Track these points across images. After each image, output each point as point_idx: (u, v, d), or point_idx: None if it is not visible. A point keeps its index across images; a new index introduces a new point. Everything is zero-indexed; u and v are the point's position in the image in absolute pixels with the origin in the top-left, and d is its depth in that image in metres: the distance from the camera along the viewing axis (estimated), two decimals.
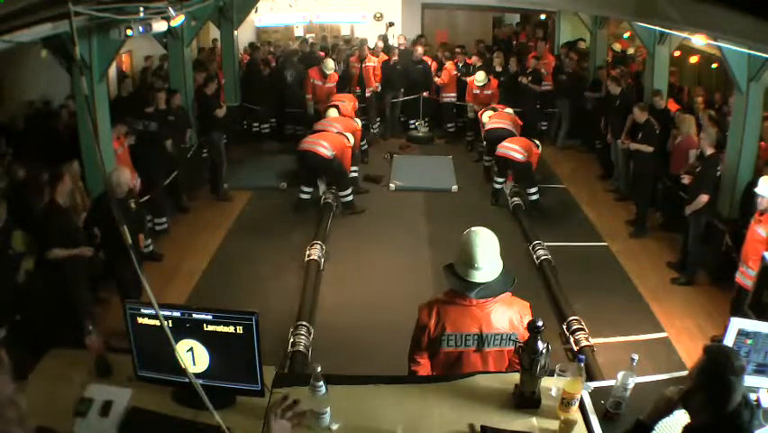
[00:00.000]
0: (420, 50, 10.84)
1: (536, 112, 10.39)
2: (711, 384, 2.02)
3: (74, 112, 6.80)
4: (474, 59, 10.71)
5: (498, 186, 8.22)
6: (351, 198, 7.85)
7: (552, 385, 2.59)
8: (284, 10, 12.62)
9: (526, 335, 2.46)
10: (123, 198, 5.00)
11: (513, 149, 7.78)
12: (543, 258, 6.46)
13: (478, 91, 9.83)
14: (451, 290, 2.72)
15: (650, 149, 7.09)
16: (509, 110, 9.06)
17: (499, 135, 8.20)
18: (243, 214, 7.91)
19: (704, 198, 5.94)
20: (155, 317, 2.39)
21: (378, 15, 12.74)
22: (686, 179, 6.25)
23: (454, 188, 8.71)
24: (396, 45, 11.44)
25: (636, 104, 7.54)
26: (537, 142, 8.08)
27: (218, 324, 2.43)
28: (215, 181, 8.32)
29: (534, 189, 7.91)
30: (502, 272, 2.68)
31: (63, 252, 4.63)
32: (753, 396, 2.47)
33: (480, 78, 9.74)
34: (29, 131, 7.03)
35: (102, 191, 5.23)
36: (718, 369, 2.00)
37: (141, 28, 5.05)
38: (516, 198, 8.01)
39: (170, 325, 2.37)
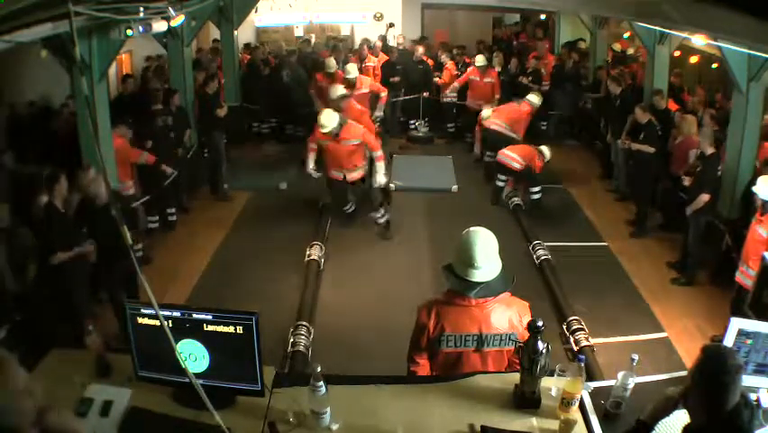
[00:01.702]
0: (420, 50, 10.83)
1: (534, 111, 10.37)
2: (707, 384, 2.03)
3: (74, 111, 6.84)
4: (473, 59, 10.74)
5: (500, 183, 8.13)
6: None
7: (552, 385, 2.59)
8: (284, 10, 12.60)
9: (526, 335, 2.47)
10: (106, 202, 4.98)
11: (511, 157, 7.72)
12: (543, 258, 6.46)
13: (477, 78, 9.73)
14: (450, 290, 2.72)
15: (651, 150, 7.07)
16: (515, 104, 8.80)
17: (496, 139, 8.25)
18: (243, 214, 7.91)
19: (705, 197, 5.93)
20: (155, 317, 2.40)
21: (378, 15, 12.74)
22: (687, 181, 6.24)
23: (454, 188, 8.71)
24: (395, 45, 11.44)
25: (638, 104, 7.50)
26: (544, 151, 7.84)
27: (218, 324, 2.43)
28: (215, 181, 8.32)
29: (537, 189, 7.85)
30: (501, 272, 2.68)
31: (65, 255, 4.61)
32: (753, 396, 2.48)
33: (479, 59, 9.61)
34: (30, 130, 7.02)
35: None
36: (714, 368, 2.01)
37: (141, 28, 5.04)
38: (515, 198, 7.99)
39: (170, 325, 2.37)
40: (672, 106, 8.04)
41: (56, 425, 1.80)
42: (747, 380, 2.40)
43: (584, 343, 4.97)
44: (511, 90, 10.11)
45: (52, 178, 4.66)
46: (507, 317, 2.68)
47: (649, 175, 7.22)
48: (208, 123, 8.18)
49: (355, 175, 7.14)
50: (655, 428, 2.36)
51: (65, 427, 1.88)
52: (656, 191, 7.49)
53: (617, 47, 11.68)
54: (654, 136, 7.13)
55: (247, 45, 11.72)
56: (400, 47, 11.30)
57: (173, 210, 7.38)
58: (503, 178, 8.10)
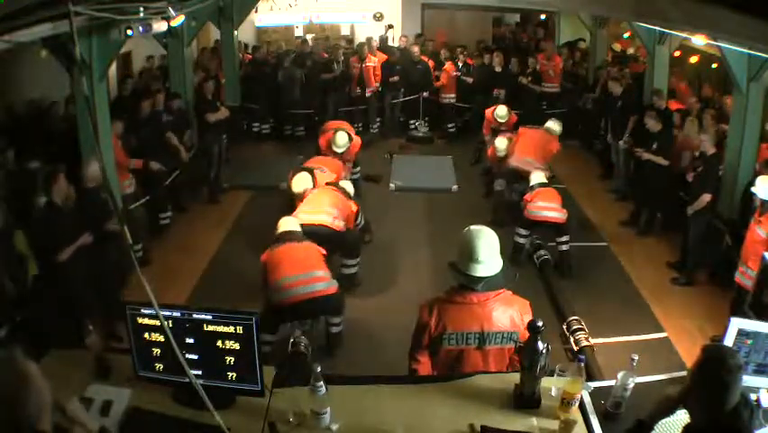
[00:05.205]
0: (416, 49, 10.81)
1: (538, 113, 10.35)
2: (707, 383, 2.03)
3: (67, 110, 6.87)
4: (474, 60, 10.75)
5: (521, 240, 6.55)
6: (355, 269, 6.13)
7: (552, 385, 2.59)
8: (284, 10, 12.62)
9: (527, 333, 2.48)
10: (94, 187, 4.99)
11: (552, 208, 6.35)
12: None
13: (495, 126, 8.59)
14: (452, 288, 2.74)
15: (665, 162, 6.88)
16: (538, 135, 7.57)
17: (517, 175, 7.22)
18: (243, 214, 7.91)
19: (707, 197, 5.93)
20: (155, 317, 2.40)
21: (378, 15, 12.74)
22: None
23: (454, 187, 8.71)
24: (396, 46, 11.44)
25: (648, 112, 7.28)
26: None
27: (218, 324, 2.43)
28: (208, 183, 8.32)
29: (566, 237, 6.42)
30: (503, 269, 2.70)
31: (70, 249, 4.60)
32: (753, 396, 2.47)
33: (501, 112, 8.43)
34: (29, 129, 7.02)
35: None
36: (714, 368, 2.01)
37: (141, 28, 5.04)
38: (542, 251, 6.58)
39: (170, 325, 2.37)
40: (672, 106, 8.03)
41: (71, 412, 2.14)
42: (747, 380, 2.40)
43: (584, 343, 4.97)
44: (512, 91, 10.11)
45: (50, 176, 4.65)
46: (508, 315, 2.69)
47: (661, 180, 7.02)
48: (202, 125, 8.19)
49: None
50: (655, 428, 2.36)
51: (79, 415, 2.15)
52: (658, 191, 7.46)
53: (617, 47, 11.70)
54: (668, 148, 6.94)
55: (246, 45, 11.72)
56: (402, 46, 11.28)
57: (169, 213, 7.35)
58: (524, 233, 6.55)
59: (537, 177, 6.64)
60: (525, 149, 7.37)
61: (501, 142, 7.64)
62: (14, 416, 1.74)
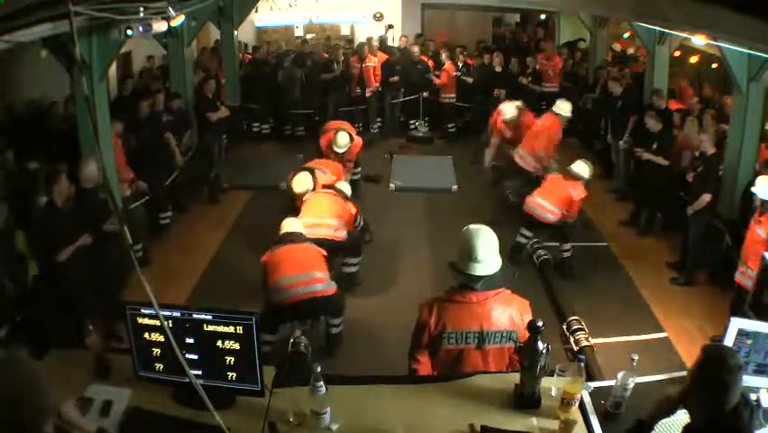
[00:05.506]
0: (416, 49, 10.81)
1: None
2: (707, 383, 2.03)
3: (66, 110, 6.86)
4: (474, 60, 10.74)
5: (522, 240, 6.53)
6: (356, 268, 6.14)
7: (552, 385, 2.59)
8: (284, 10, 12.63)
9: (527, 332, 2.48)
10: (92, 188, 5.01)
11: (543, 207, 6.26)
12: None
13: (503, 127, 8.21)
14: (452, 287, 2.74)
15: (665, 162, 6.88)
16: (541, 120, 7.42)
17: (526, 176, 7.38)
18: (243, 214, 7.91)
19: (707, 197, 5.93)
20: (155, 317, 2.40)
21: (378, 15, 12.75)
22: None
23: (454, 187, 8.71)
24: (396, 46, 11.44)
25: (648, 112, 7.27)
26: (583, 171, 6.43)
27: (218, 324, 2.44)
28: (209, 183, 8.32)
29: (568, 246, 6.40)
30: (502, 267, 2.71)
31: (69, 249, 4.61)
32: (753, 396, 2.48)
33: (509, 108, 7.92)
34: (29, 129, 7.02)
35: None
36: (714, 368, 2.01)
37: (141, 28, 5.05)
38: (541, 251, 6.59)
39: (170, 325, 2.37)
40: (673, 106, 8.03)
41: (69, 417, 2.11)
42: (747, 380, 2.40)
43: (584, 343, 4.97)
44: (512, 91, 10.11)
45: (52, 177, 4.66)
46: (507, 314, 2.69)
47: (661, 180, 7.02)
48: (202, 125, 8.17)
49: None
50: (655, 428, 2.36)
51: (74, 418, 2.13)
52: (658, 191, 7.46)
53: (617, 47, 11.70)
54: (668, 148, 6.93)
55: (246, 45, 11.72)
56: (402, 46, 11.28)
57: (169, 213, 7.37)
58: (527, 234, 6.53)
59: (577, 166, 6.45)
60: (525, 141, 7.56)
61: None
62: (20, 416, 1.72)
